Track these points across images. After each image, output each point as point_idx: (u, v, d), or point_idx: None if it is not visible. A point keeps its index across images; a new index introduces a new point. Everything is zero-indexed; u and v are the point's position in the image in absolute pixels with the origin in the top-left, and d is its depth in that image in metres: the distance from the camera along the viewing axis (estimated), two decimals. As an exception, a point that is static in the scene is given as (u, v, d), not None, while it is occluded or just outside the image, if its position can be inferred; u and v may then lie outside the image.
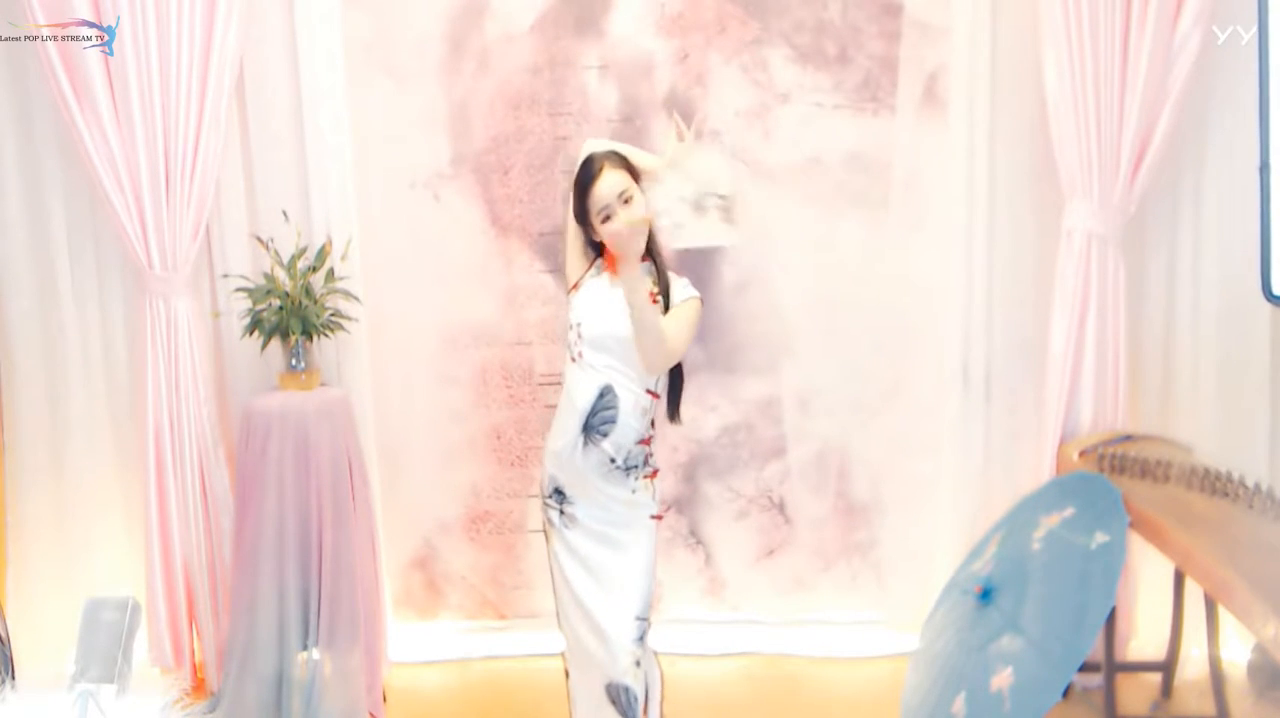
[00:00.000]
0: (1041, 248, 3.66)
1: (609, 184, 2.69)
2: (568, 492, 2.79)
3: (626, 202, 2.69)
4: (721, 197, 2.72)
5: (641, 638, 2.77)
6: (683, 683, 3.36)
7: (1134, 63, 3.40)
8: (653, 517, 2.82)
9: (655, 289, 2.74)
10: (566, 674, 2.91)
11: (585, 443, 2.72)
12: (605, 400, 2.71)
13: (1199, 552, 2.75)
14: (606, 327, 2.71)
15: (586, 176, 2.72)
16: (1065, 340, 3.54)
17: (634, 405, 2.72)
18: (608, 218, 2.69)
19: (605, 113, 3.80)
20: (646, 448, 2.79)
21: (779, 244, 3.83)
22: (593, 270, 2.81)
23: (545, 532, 2.88)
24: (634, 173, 2.76)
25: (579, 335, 2.73)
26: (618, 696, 2.75)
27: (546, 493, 2.84)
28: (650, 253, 2.74)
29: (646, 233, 2.62)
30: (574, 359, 2.75)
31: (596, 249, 2.80)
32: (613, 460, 2.73)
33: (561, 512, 2.80)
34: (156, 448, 3.54)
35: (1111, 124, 3.43)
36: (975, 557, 3.40)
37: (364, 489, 3.57)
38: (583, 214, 2.74)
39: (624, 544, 2.79)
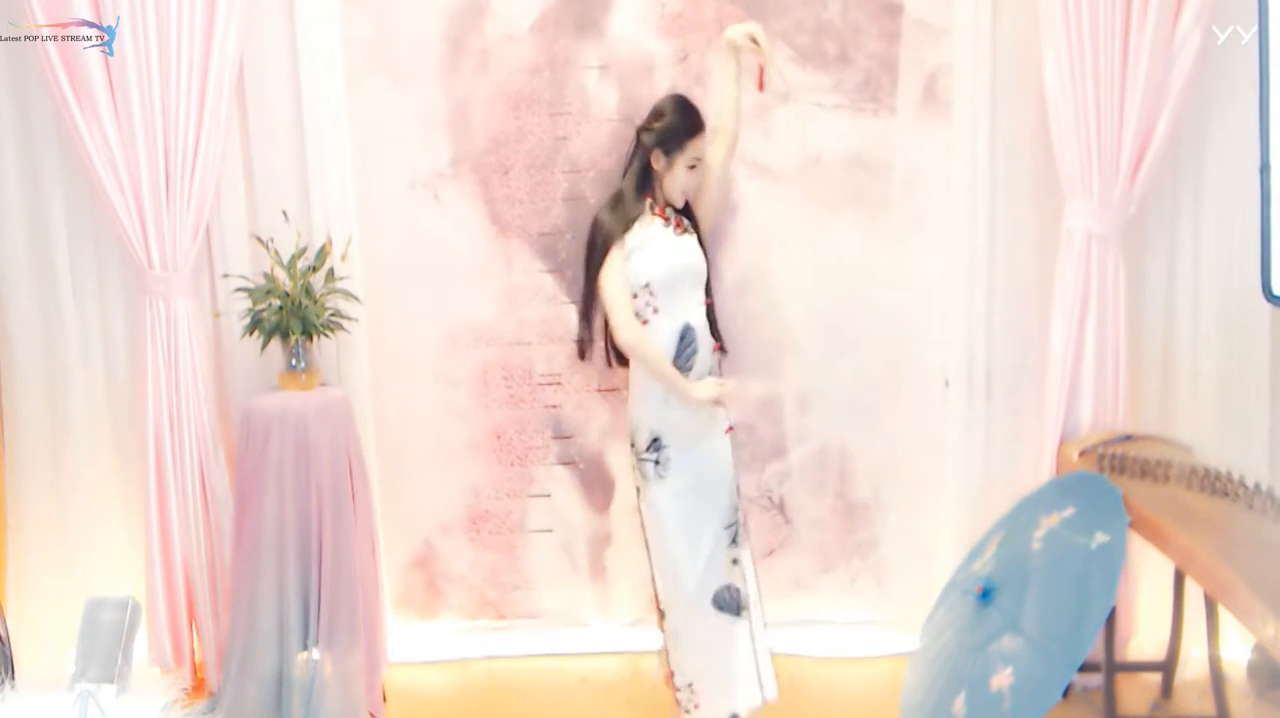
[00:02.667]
0: (1041, 248, 3.66)
1: (703, 143, 3.16)
2: (665, 439, 3.07)
3: (692, 168, 3.15)
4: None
5: (735, 540, 3.14)
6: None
7: (1134, 63, 3.40)
8: (726, 430, 3.20)
9: (678, 215, 3.20)
10: (662, 617, 3.15)
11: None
12: (686, 340, 3.06)
13: (1199, 552, 2.75)
14: (677, 262, 3.09)
15: (698, 124, 3.14)
16: (1065, 341, 3.54)
17: (702, 325, 3.12)
18: (691, 168, 3.13)
19: (605, 113, 3.79)
20: (719, 354, 3.23)
21: (779, 244, 3.82)
22: (641, 227, 3.10)
23: (639, 489, 3.13)
24: None
25: (651, 293, 3.05)
26: (723, 598, 3.10)
27: (644, 447, 3.08)
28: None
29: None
30: (646, 322, 3.05)
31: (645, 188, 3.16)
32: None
33: (657, 462, 3.07)
34: (156, 448, 3.54)
35: (1111, 124, 3.43)
36: (975, 557, 3.40)
37: (364, 489, 3.57)
38: (677, 144, 3.10)
39: (709, 470, 3.13)
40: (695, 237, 3.21)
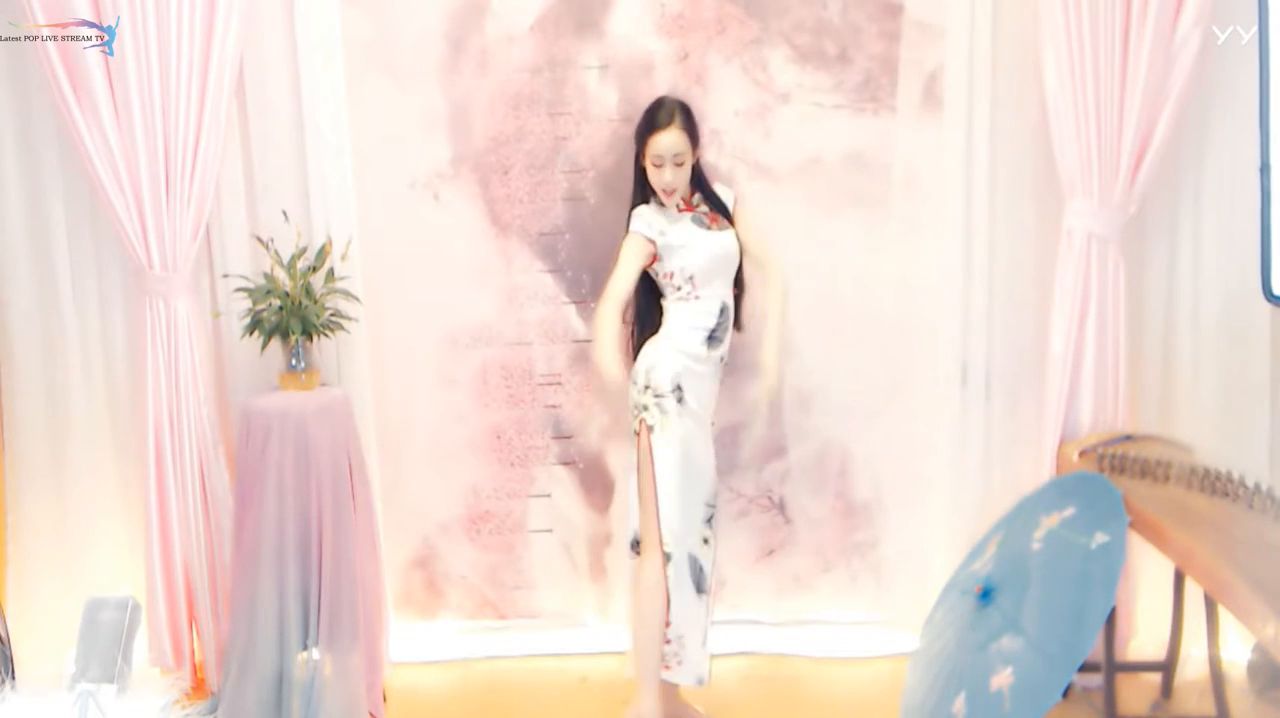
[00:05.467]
0: (1041, 248, 3.66)
1: (671, 141, 3.19)
2: (685, 388, 3.22)
3: (678, 164, 3.21)
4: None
5: (709, 521, 3.28)
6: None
7: (1134, 63, 3.40)
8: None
9: (711, 209, 3.33)
10: (666, 560, 3.16)
11: (709, 350, 3.24)
12: (724, 315, 3.27)
13: (1199, 552, 2.75)
14: (710, 255, 3.26)
15: (655, 122, 3.20)
16: (1065, 340, 3.54)
17: (731, 307, 3.31)
18: (657, 166, 3.20)
19: (605, 113, 3.80)
20: (736, 332, 3.39)
21: (779, 244, 3.81)
22: (664, 220, 3.26)
23: (652, 428, 3.18)
24: (694, 135, 3.24)
25: (693, 283, 3.24)
26: (694, 567, 3.23)
27: (668, 388, 3.19)
28: (697, 183, 3.33)
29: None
30: (686, 299, 3.25)
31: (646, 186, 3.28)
32: (722, 359, 3.30)
33: (680, 400, 3.20)
34: (156, 448, 3.54)
35: (1111, 124, 3.43)
36: (975, 557, 3.40)
37: (364, 489, 3.57)
38: (639, 149, 3.24)
39: (701, 436, 3.26)
40: (732, 230, 3.34)
